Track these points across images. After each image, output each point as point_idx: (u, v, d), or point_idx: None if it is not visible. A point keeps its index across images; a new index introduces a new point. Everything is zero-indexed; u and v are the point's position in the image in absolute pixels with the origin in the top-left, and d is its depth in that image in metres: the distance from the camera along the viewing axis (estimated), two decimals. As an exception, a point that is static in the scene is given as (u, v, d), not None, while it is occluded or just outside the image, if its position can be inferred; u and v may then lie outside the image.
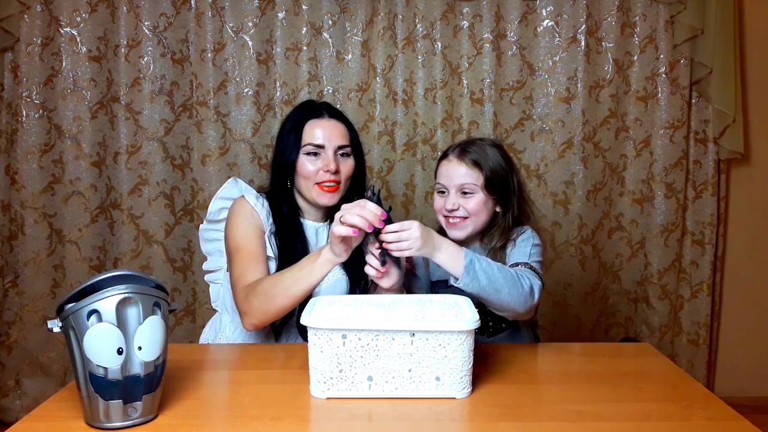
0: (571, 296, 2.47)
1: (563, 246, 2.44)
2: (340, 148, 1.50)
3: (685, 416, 1.00)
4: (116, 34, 2.31)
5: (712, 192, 2.42)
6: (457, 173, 1.41)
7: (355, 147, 1.54)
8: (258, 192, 1.54)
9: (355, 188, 1.55)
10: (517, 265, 1.34)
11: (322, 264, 1.27)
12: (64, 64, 2.30)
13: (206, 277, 1.66)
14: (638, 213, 2.45)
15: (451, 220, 1.42)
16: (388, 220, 1.22)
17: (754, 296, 2.56)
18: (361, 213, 1.19)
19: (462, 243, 1.44)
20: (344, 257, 1.27)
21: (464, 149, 1.43)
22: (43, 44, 2.27)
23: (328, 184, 1.48)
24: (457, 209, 1.41)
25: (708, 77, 2.36)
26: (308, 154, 1.48)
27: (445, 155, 1.46)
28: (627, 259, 2.48)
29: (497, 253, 1.42)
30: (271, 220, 1.49)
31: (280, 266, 1.46)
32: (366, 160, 2.34)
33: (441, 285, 1.49)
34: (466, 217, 1.41)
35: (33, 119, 2.29)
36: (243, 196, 1.51)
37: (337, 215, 1.22)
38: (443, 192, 1.44)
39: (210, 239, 1.60)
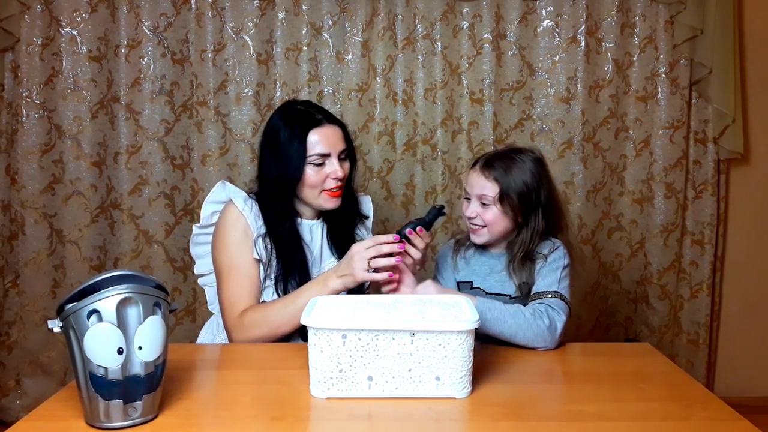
0: (571, 296, 2.45)
1: (563, 246, 2.44)
2: (342, 152, 1.51)
3: (685, 416, 1.00)
4: (116, 35, 2.31)
5: (712, 192, 2.42)
6: (478, 184, 1.46)
7: (349, 147, 1.55)
8: (248, 194, 1.53)
9: (347, 186, 1.56)
10: (543, 294, 1.40)
11: (328, 295, 1.32)
12: (64, 64, 2.30)
13: (200, 281, 1.65)
14: (638, 213, 2.45)
15: (471, 226, 1.49)
16: (404, 237, 1.38)
17: (754, 296, 2.56)
18: (380, 252, 1.34)
19: (485, 248, 1.53)
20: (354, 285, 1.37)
21: (490, 162, 1.46)
22: (44, 44, 2.27)
23: (335, 189, 1.49)
24: (475, 217, 1.46)
25: (708, 77, 2.36)
26: (313, 164, 1.47)
27: (475, 163, 1.51)
28: (627, 259, 2.48)
29: (524, 263, 1.45)
30: (261, 222, 1.49)
31: (276, 278, 1.47)
32: (366, 160, 2.38)
33: (466, 286, 1.52)
34: (484, 226, 1.46)
35: (33, 119, 2.29)
36: (231, 200, 1.50)
37: (358, 263, 1.33)
38: (469, 198, 1.49)
39: (201, 243, 1.60)
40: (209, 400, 1.08)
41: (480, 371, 1.14)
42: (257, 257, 1.46)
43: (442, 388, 1.05)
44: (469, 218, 1.47)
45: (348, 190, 1.58)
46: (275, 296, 1.47)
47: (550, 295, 1.39)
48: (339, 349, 1.03)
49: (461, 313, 1.08)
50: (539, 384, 1.17)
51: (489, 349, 1.29)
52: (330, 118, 1.52)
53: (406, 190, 2.42)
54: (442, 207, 1.44)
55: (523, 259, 1.45)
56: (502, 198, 1.43)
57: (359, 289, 1.53)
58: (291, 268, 1.48)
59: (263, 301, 1.48)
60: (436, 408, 1.02)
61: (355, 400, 1.04)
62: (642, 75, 2.38)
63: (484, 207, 1.45)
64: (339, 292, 1.35)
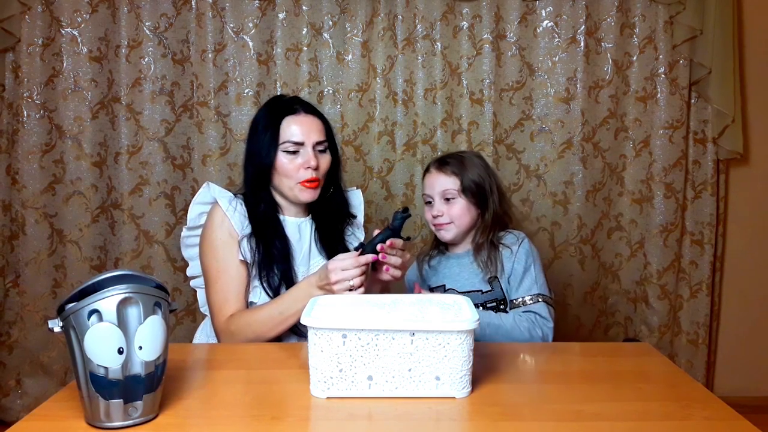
0: (571, 296, 2.47)
1: (563, 246, 2.45)
2: (318, 143, 1.49)
3: (684, 416, 1.00)
4: (117, 35, 2.31)
5: (711, 192, 2.43)
6: (438, 182, 1.54)
7: (330, 141, 1.54)
8: (235, 194, 1.52)
9: (330, 182, 1.55)
10: (527, 301, 1.47)
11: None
12: (65, 64, 2.30)
13: (192, 283, 1.65)
14: (637, 213, 2.45)
15: (437, 224, 1.55)
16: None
17: (754, 296, 2.56)
18: (357, 273, 1.32)
19: (454, 245, 1.59)
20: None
21: (443, 161, 1.56)
22: (44, 45, 2.27)
23: (310, 180, 1.48)
24: (442, 215, 1.53)
25: (707, 77, 2.36)
26: (287, 152, 1.47)
27: (427, 169, 1.59)
28: (626, 259, 2.48)
29: (489, 254, 1.51)
30: (247, 222, 1.48)
31: (258, 269, 1.46)
32: (366, 160, 2.38)
33: (439, 290, 1.52)
34: (450, 222, 1.53)
35: (34, 119, 2.29)
36: (216, 201, 1.49)
37: (339, 285, 1.31)
38: (430, 202, 1.56)
39: (191, 245, 1.59)
40: (209, 399, 1.08)
41: (480, 371, 1.14)
42: (242, 259, 1.46)
43: (442, 387, 1.05)
44: (435, 217, 1.53)
45: (334, 188, 1.57)
46: (263, 294, 1.46)
47: (532, 300, 1.47)
48: (339, 349, 1.03)
49: (461, 313, 1.08)
50: (539, 384, 1.17)
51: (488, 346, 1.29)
52: (308, 109, 1.52)
53: (406, 190, 2.43)
54: (406, 209, 1.40)
55: (488, 247, 1.50)
56: (464, 189, 1.51)
57: None
58: (272, 258, 1.46)
59: (252, 303, 1.47)
60: (436, 408, 1.02)
61: (355, 399, 1.04)
62: (641, 75, 2.39)
63: (448, 203, 1.52)
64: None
